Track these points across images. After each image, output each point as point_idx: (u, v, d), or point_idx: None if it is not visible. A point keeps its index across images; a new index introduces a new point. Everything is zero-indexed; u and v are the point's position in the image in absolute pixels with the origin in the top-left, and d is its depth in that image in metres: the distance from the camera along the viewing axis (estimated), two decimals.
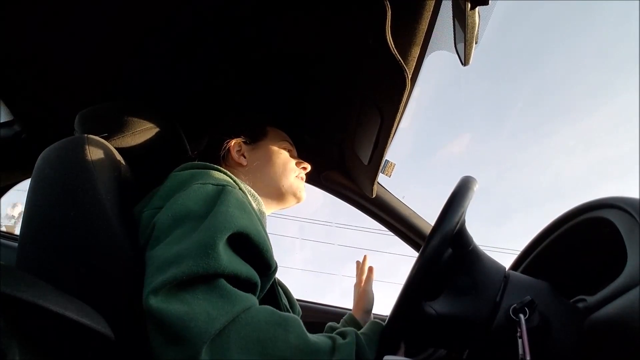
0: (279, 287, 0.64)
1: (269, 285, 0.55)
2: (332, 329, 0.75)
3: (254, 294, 0.49)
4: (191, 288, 0.42)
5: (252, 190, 0.66)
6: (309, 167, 0.80)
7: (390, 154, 0.82)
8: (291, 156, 0.77)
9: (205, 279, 0.42)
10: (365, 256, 0.87)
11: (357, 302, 0.82)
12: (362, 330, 0.56)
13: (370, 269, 0.85)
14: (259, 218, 0.57)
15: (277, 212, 0.80)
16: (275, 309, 0.45)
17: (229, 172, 0.63)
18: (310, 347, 0.44)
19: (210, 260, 0.42)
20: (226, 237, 0.45)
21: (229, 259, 0.44)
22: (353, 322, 0.77)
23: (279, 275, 0.64)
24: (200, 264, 0.42)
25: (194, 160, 0.72)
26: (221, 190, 0.53)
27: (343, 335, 0.50)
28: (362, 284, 0.83)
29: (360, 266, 0.86)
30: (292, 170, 0.75)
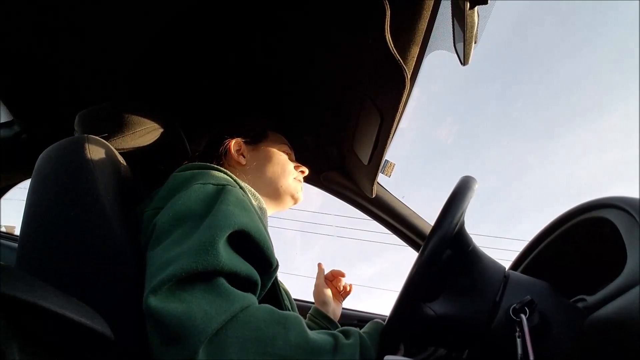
0: (281, 287, 0.65)
1: (270, 283, 0.55)
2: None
3: (254, 292, 0.48)
4: (190, 286, 0.41)
5: (252, 189, 0.66)
6: (307, 171, 0.81)
7: (390, 154, 0.82)
8: (290, 159, 0.78)
9: (203, 277, 0.42)
10: (319, 263, 0.93)
11: (314, 297, 0.88)
12: (364, 330, 0.55)
13: (318, 265, 0.91)
14: (260, 216, 0.57)
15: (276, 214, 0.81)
16: (274, 308, 0.45)
17: (229, 172, 0.63)
18: (311, 346, 0.43)
19: (209, 257, 0.42)
20: (226, 235, 0.45)
21: (228, 257, 0.44)
22: (319, 313, 0.82)
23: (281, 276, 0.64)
24: (199, 260, 0.41)
25: (194, 160, 0.72)
26: (221, 189, 0.53)
27: (346, 334, 0.50)
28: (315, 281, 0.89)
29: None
30: (290, 172, 0.76)
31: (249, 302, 0.43)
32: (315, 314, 0.82)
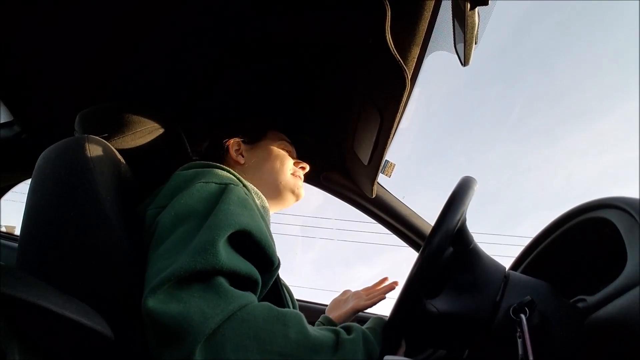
0: (283, 286, 0.64)
1: (271, 282, 0.55)
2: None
3: (255, 291, 0.48)
4: (188, 286, 0.41)
5: (254, 187, 0.66)
6: (307, 167, 0.80)
7: (390, 154, 0.82)
8: (290, 156, 0.78)
9: (203, 276, 0.42)
10: (396, 283, 0.83)
11: (337, 308, 0.82)
12: (367, 325, 0.55)
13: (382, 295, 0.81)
14: (262, 215, 0.57)
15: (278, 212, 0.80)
16: (274, 306, 0.45)
17: (232, 170, 0.63)
18: (312, 342, 0.43)
19: (209, 256, 0.42)
20: (227, 235, 0.45)
21: (227, 256, 0.44)
22: (325, 319, 0.77)
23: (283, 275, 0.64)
24: (199, 260, 0.41)
25: (194, 160, 0.72)
26: (224, 188, 0.53)
27: (348, 330, 0.50)
28: (361, 305, 0.80)
29: (378, 286, 0.83)
30: (290, 169, 0.76)
31: (247, 300, 0.42)
32: (323, 321, 0.78)
